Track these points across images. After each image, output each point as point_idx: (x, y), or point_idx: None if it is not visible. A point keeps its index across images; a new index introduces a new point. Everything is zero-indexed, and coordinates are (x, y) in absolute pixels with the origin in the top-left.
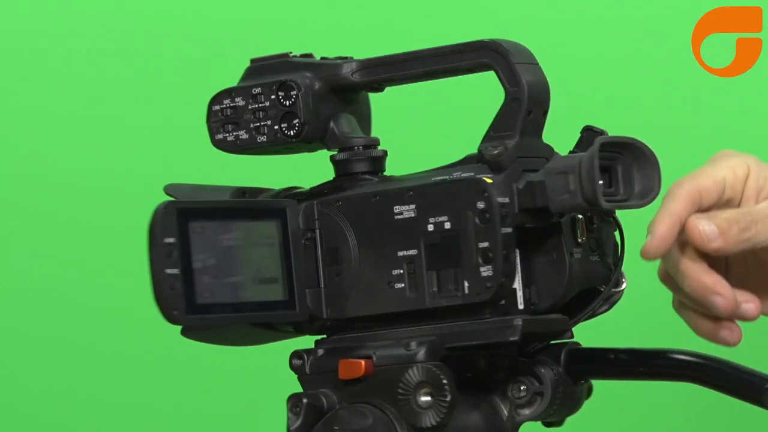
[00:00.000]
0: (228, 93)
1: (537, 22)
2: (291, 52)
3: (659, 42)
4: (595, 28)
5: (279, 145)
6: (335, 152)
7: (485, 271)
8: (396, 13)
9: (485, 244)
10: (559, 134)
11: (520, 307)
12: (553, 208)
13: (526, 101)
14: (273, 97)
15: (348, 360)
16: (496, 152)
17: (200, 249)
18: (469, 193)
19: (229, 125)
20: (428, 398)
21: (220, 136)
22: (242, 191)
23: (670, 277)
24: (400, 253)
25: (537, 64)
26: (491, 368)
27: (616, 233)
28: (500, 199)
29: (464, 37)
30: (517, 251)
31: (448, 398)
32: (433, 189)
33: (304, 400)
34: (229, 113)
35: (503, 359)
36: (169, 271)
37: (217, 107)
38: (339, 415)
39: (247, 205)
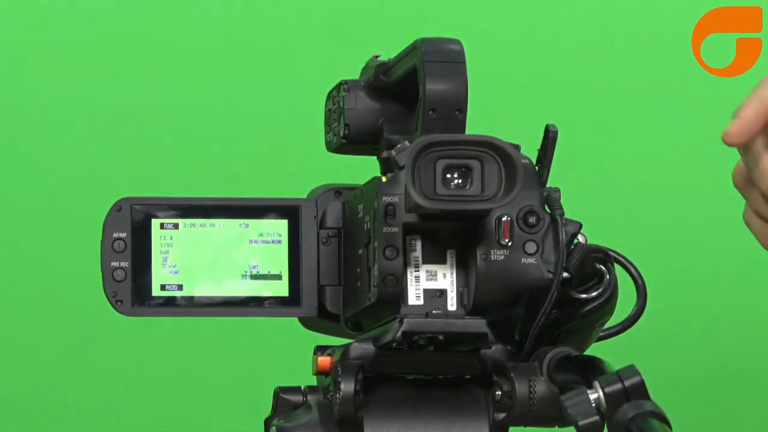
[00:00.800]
0: (328, 96)
1: (537, 23)
2: (379, 55)
3: (659, 42)
4: (595, 28)
5: (341, 146)
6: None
7: (375, 270)
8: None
9: (375, 243)
10: (559, 134)
11: (451, 308)
12: (407, 207)
13: (425, 99)
14: (337, 98)
15: (315, 356)
16: (393, 150)
17: (166, 245)
18: (372, 193)
19: (327, 126)
20: (338, 394)
21: (325, 137)
22: (336, 190)
23: (745, 182)
24: (359, 252)
25: (458, 62)
26: (482, 370)
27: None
28: (386, 198)
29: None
30: (454, 252)
31: (339, 394)
32: (363, 189)
33: (280, 394)
34: (327, 115)
35: (488, 361)
36: (115, 263)
37: (326, 109)
38: (294, 411)
39: (248, 203)
